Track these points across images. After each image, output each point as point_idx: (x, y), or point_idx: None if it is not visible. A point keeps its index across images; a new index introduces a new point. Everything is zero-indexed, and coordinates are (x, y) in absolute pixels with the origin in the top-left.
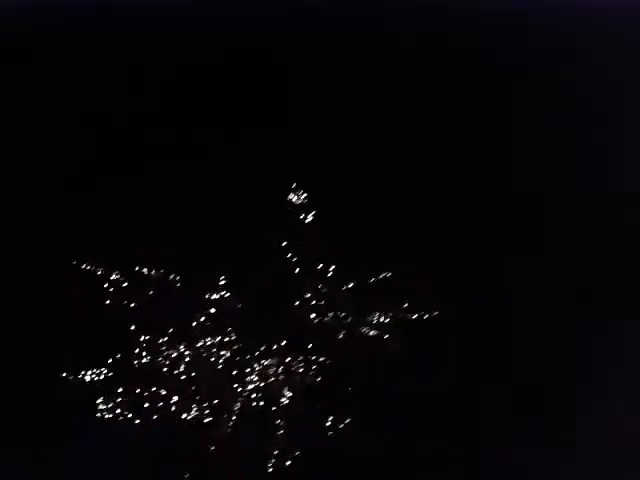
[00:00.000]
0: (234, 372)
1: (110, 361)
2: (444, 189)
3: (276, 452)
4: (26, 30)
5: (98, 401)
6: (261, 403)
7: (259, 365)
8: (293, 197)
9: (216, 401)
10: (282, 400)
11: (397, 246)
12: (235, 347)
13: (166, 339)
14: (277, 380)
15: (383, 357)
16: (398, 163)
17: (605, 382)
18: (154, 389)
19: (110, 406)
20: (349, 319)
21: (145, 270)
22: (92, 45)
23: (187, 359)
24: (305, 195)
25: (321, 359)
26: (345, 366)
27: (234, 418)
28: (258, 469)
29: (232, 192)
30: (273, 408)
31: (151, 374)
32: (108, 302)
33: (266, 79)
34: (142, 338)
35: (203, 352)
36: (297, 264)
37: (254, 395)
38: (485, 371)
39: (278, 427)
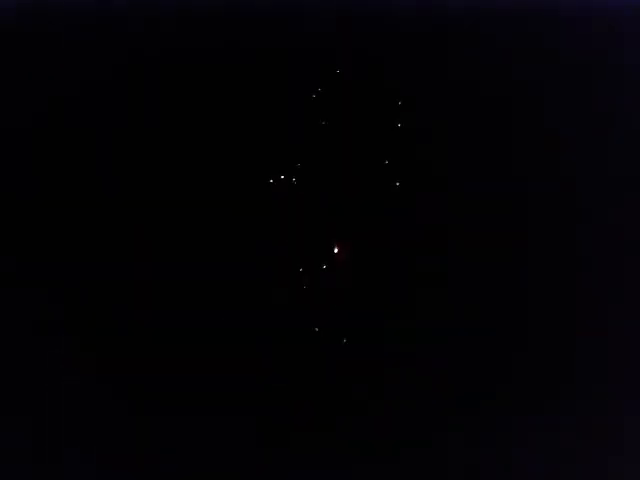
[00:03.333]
0: None
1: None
2: (443, 189)
3: None
4: (26, 30)
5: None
6: None
7: None
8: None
9: None
10: None
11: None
12: None
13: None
14: None
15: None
16: (397, 162)
17: (605, 382)
18: None
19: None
20: None
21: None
22: (92, 45)
23: None
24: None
25: None
26: None
27: None
28: None
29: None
30: None
31: None
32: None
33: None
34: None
35: None
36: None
37: None
38: (484, 371)
39: None
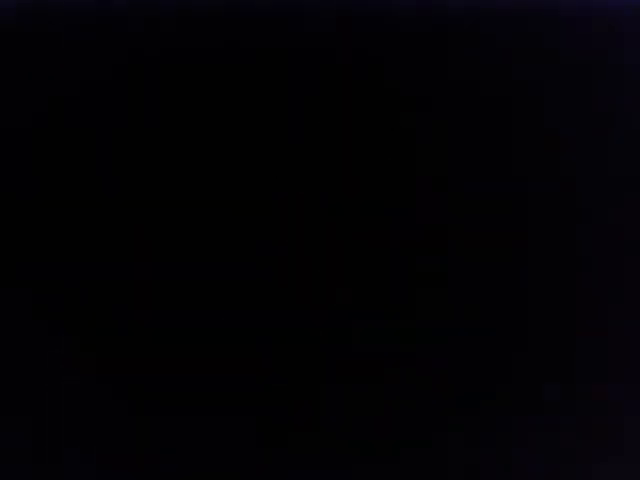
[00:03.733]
0: None
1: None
2: (443, 189)
3: None
4: (26, 30)
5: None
6: None
7: None
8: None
9: None
10: None
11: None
12: None
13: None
14: None
15: None
16: (397, 162)
17: (605, 382)
18: None
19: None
20: None
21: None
22: (92, 45)
23: None
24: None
25: None
26: None
27: None
28: None
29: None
30: None
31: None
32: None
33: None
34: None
35: None
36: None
37: None
38: (484, 371)
39: None
